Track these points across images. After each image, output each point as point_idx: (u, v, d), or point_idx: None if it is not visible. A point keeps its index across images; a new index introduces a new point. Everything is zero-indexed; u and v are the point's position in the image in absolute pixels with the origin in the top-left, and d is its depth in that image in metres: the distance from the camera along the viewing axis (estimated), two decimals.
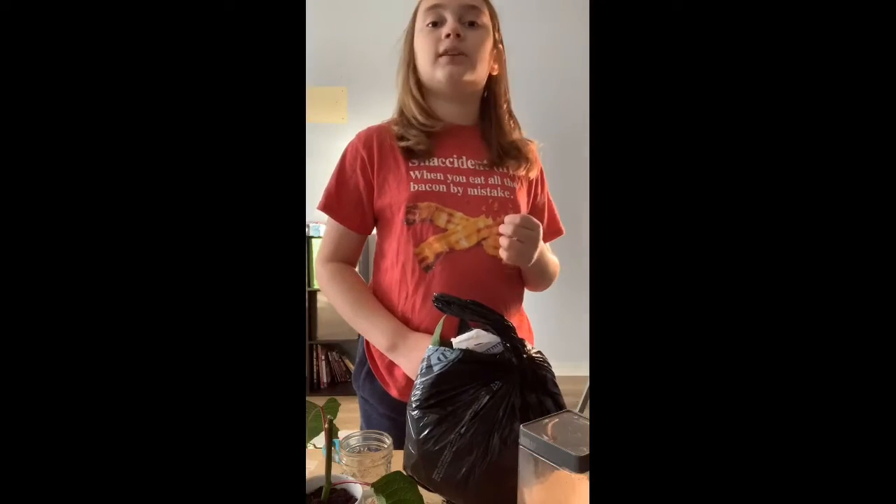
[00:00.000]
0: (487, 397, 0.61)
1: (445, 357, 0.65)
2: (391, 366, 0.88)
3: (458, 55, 0.85)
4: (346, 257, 0.93)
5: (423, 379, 0.66)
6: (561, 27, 2.85)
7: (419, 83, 0.89)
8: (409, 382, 0.86)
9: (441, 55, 0.85)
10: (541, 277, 0.93)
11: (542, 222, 0.98)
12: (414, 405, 0.65)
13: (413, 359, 0.80)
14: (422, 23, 0.88)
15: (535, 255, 0.82)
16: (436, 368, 0.65)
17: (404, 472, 0.63)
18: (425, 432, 0.63)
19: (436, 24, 0.86)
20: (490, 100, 0.93)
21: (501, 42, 0.93)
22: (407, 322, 0.86)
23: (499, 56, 0.92)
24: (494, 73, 0.92)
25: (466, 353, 0.64)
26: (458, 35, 0.84)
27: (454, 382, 0.63)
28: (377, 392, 0.91)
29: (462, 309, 0.66)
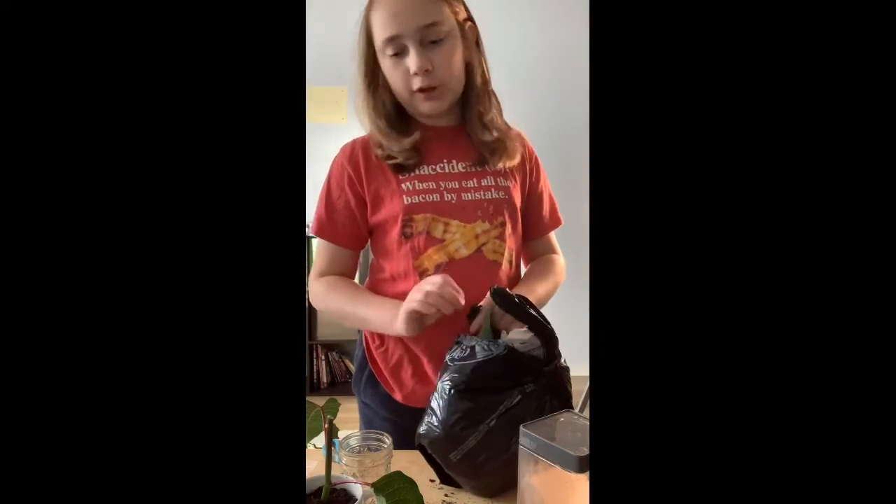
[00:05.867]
0: (519, 397, 0.66)
1: (490, 348, 0.68)
2: (397, 369, 0.87)
3: (434, 90, 0.81)
4: (341, 273, 0.90)
5: (463, 362, 0.68)
6: (562, 27, 2.85)
7: (386, 106, 0.84)
8: (416, 387, 0.85)
9: (417, 91, 0.81)
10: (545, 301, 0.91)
11: (539, 213, 0.96)
12: (449, 386, 0.67)
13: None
14: (382, 48, 0.81)
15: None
16: (479, 356, 0.68)
17: (417, 444, 0.67)
18: (457, 416, 0.66)
19: (398, 55, 0.80)
20: (469, 92, 0.87)
21: (470, 18, 0.85)
22: None
23: (469, 41, 0.84)
24: (468, 62, 0.85)
25: (511, 350, 0.68)
26: (426, 70, 0.79)
27: (493, 373, 0.67)
28: (379, 396, 0.89)
29: (513, 306, 0.69)
